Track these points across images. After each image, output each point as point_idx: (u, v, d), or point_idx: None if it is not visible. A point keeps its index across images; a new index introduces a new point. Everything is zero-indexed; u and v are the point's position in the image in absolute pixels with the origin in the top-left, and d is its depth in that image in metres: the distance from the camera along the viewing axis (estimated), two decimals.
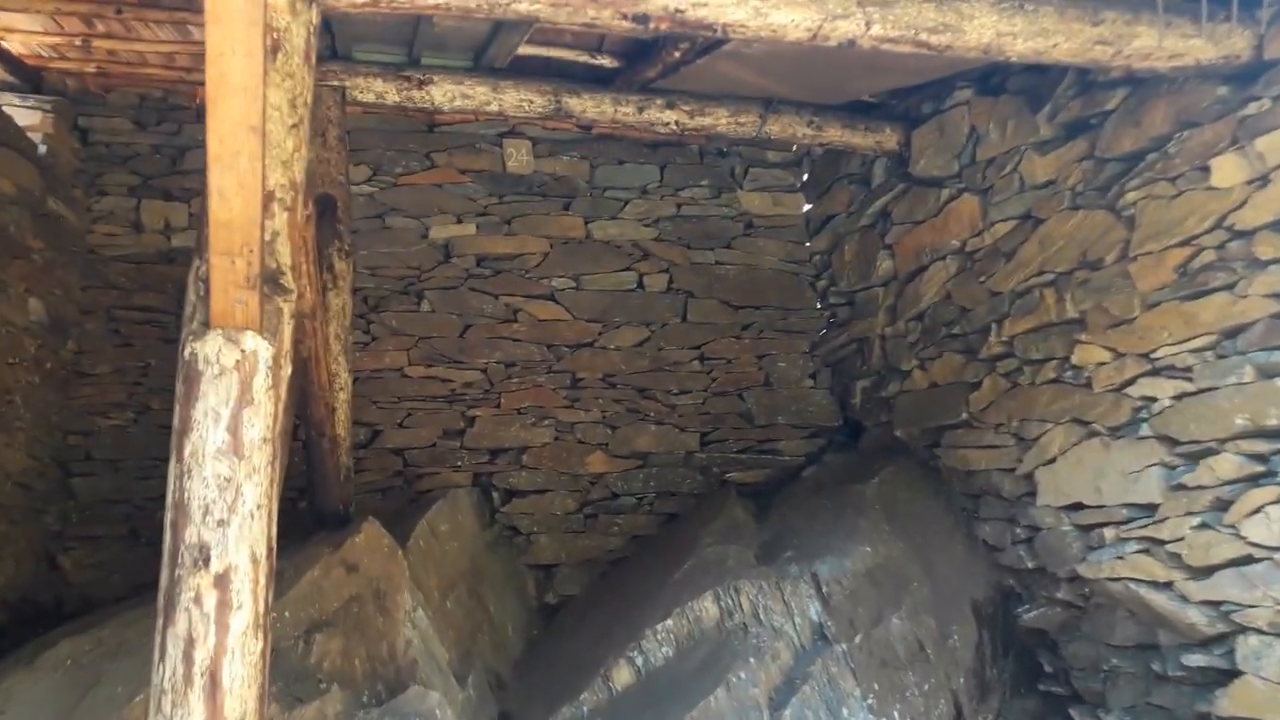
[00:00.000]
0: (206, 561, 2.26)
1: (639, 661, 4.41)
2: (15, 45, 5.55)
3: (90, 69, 5.82)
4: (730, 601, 4.45)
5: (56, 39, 5.39)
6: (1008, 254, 4.75)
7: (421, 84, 4.83)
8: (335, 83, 4.74)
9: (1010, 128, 4.76)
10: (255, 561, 2.33)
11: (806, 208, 6.69)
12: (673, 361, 6.30)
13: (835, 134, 5.39)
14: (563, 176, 6.44)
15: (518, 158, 6.38)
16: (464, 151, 6.31)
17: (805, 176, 6.75)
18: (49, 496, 5.36)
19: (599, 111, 5.06)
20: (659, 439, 6.19)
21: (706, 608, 4.48)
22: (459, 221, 6.24)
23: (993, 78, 4.95)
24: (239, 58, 2.11)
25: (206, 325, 2.38)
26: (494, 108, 4.97)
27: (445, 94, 4.88)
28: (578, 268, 6.31)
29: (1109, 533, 4.05)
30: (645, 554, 5.79)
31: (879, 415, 5.79)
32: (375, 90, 4.81)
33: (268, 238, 2.45)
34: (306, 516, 4.58)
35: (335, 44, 4.73)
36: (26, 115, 5.48)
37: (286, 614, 3.81)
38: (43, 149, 5.37)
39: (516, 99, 4.96)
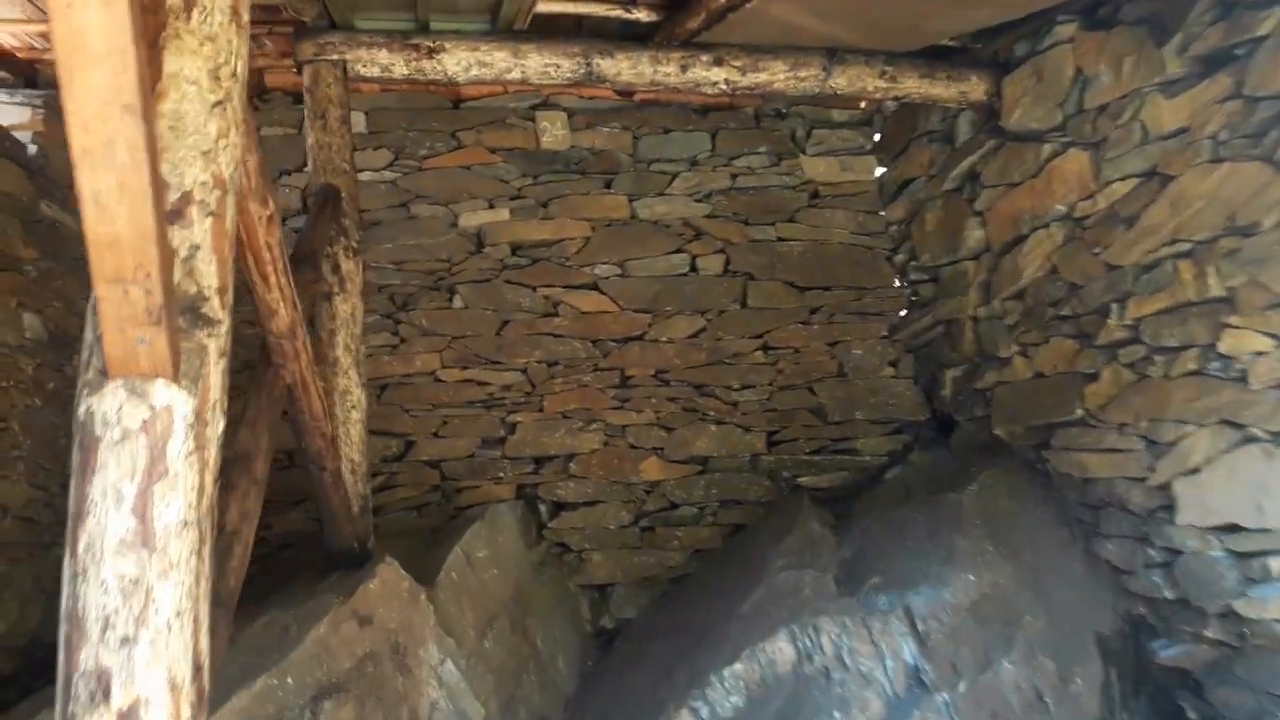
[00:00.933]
0: (106, 694, 1.69)
1: (704, 713, 3.79)
2: (3, 37, 5.09)
3: None
4: (809, 642, 3.80)
5: (43, 26, 4.90)
6: (1128, 220, 3.96)
7: (432, 52, 4.21)
8: (335, 56, 4.15)
9: (1127, 66, 3.94)
10: (175, 688, 1.75)
11: (879, 172, 5.91)
12: (733, 353, 5.63)
13: (912, 85, 4.63)
14: (603, 151, 5.77)
15: (552, 132, 5.74)
16: (493, 128, 5.69)
17: (877, 137, 5.97)
18: (57, 528, 4.93)
19: (636, 73, 4.38)
20: (720, 441, 5.54)
21: (781, 649, 3.84)
22: (491, 207, 5.63)
23: (1102, 7, 4.13)
24: (95, 8, 1.49)
25: (104, 374, 1.80)
26: (515, 75, 4.33)
27: (459, 62, 4.25)
28: (623, 252, 5.66)
29: (1275, 563, 3.29)
30: (709, 572, 5.16)
31: (973, 409, 5.04)
32: (380, 62, 4.21)
33: (183, 254, 1.85)
34: (322, 554, 4.05)
35: (331, 13, 4.13)
36: (15, 113, 5.01)
37: (290, 680, 3.27)
38: (33, 149, 4.89)
39: (540, 64, 4.31)
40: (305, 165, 4.34)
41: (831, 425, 5.62)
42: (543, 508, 5.44)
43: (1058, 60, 4.20)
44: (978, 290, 4.97)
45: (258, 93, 5.61)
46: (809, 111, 5.96)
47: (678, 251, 5.71)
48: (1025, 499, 4.44)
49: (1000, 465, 4.68)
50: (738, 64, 4.41)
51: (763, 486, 5.51)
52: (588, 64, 4.32)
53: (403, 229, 5.52)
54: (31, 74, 5.35)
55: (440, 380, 5.45)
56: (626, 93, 5.71)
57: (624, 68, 4.35)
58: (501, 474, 5.40)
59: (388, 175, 5.59)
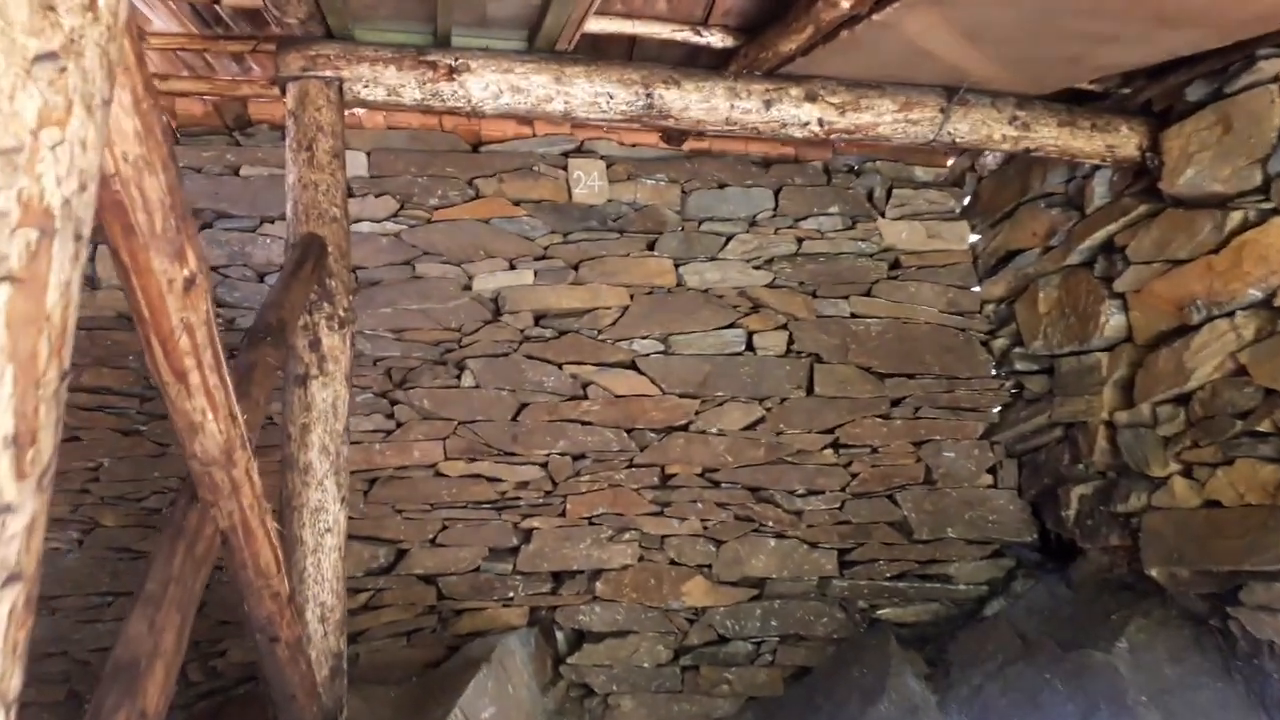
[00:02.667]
0: None
1: None
2: None
3: None
4: None
5: None
6: None
7: (453, 72, 3.31)
8: (328, 72, 3.25)
9: None
10: None
11: (972, 239, 5.00)
12: (797, 450, 4.66)
13: (1047, 135, 3.73)
14: (646, 206, 4.87)
15: (587, 183, 4.84)
16: (518, 176, 4.79)
17: (968, 199, 5.07)
18: None
19: (708, 108, 3.48)
20: (781, 559, 4.54)
21: None
22: (511, 268, 4.71)
23: None
24: None
25: None
26: (557, 106, 3.43)
27: (486, 86, 3.35)
28: (667, 325, 4.72)
29: None
30: None
31: (1107, 536, 4.04)
32: (386, 83, 3.30)
33: None
34: None
35: (326, 17, 3.23)
36: None
37: None
38: None
39: (589, 93, 3.41)
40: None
41: (918, 544, 4.62)
42: (561, 636, 4.42)
43: (1256, 105, 3.30)
44: (1115, 390, 4.01)
45: (240, 125, 4.72)
46: (888, 168, 5.08)
47: (732, 326, 4.77)
48: (1198, 667, 3.42)
49: (1150, 614, 3.67)
50: (835, 100, 3.52)
51: (834, 619, 4.48)
52: (648, 95, 3.42)
53: (406, 291, 4.59)
54: None
55: (442, 475, 4.47)
56: (682, 134, 4.82)
57: (693, 101, 3.45)
58: (512, 594, 4.38)
59: (390, 227, 4.68)
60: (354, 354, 3.14)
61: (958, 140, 3.68)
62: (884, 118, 3.57)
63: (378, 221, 4.68)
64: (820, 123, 3.53)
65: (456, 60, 3.33)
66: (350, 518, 4.34)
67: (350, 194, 4.67)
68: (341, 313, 3.07)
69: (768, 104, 3.48)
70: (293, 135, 3.21)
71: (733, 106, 3.46)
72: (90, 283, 4.45)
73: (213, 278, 4.50)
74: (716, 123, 3.51)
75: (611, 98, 3.41)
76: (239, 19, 3.89)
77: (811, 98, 3.50)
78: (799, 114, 3.51)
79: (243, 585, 2.15)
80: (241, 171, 4.65)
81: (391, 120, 4.82)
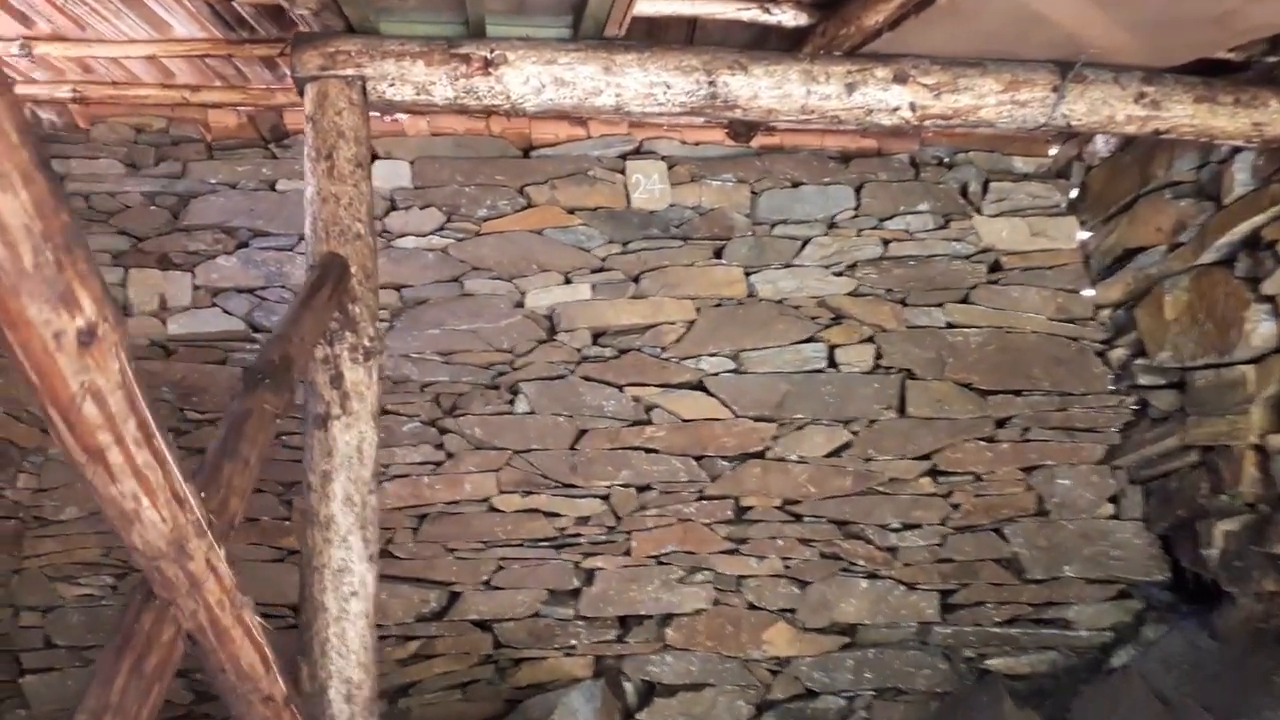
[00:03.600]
0: None
1: None
2: None
3: (64, 93, 4.21)
4: None
5: None
6: None
7: (488, 65, 2.92)
8: (349, 71, 2.88)
9: None
10: None
11: (1082, 237, 4.43)
12: (889, 479, 4.15)
13: (1181, 114, 3.17)
14: (712, 210, 4.42)
15: (647, 187, 4.42)
16: (572, 182, 4.39)
17: (1075, 192, 4.50)
18: None
19: (780, 95, 3.02)
20: (874, 602, 4.04)
21: None
22: (567, 282, 4.31)
23: None
24: None
25: None
26: (607, 100, 3.01)
27: (526, 80, 2.95)
28: (737, 341, 4.26)
29: None
30: None
31: (1259, 580, 3.45)
32: (414, 80, 2.92)
33: None
34: None
35: (345, 10, 2.87)
36: None
37: None
38: None
39: (644, 84, 2.98)
40: None
41: (1030, 584, 4.06)
42: (629, 689, 3.99)
43: None
44: (1266, 409, 3.42)
45: (276, 136, 4.42)
46: (983, 159, 4.55)
47: (811, 340, 4.29)
48: None
49: None
50: (928, 81, 3.02)
51: (936, 670, 3.96)
52: (711, 83, 2.97)
53: (454, 310, 4.23)
54: None
55: (496, 510, 4.09)
56: (742, 133, 4.36)
57: (763, 87, 2.99)
58: (574, 642, 3.97)
59: (436, 242, 4.32)
60: (382, 388, 2.75)
61: (1073, 124, 3.14)
62: (986, 100, 3.06)
63: (423, 235, 4.33)
64: (911, 108, 3.03)
65: (492, 52, 2.93)
66: (399, 557, 4.02)
67: (393, 206, 4.36)
68: (367, 343, 2.69)
69: (850, 88, 3.00)
70: (311, 142, 2.86)
71: (809, 92, 3.00)
72: (122, 308, 4.18)
73: (248, 301, 4.20)
74: (790, 112, 3.05)
75: (669, 88, 2.97)
76: (262, 19, 3.57)
77: (901, 79, 3.01)
78: (886, 98, 3.02)
79: (224, 691, 1.76)
80: (278, 186, 4.35)
81: (436, 126, 4.47)
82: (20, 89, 4.15)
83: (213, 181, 4.35)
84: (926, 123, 3.10)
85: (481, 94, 2.95)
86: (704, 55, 2.99)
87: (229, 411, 1.96)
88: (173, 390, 4.10)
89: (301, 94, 2.96)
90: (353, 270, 2.74)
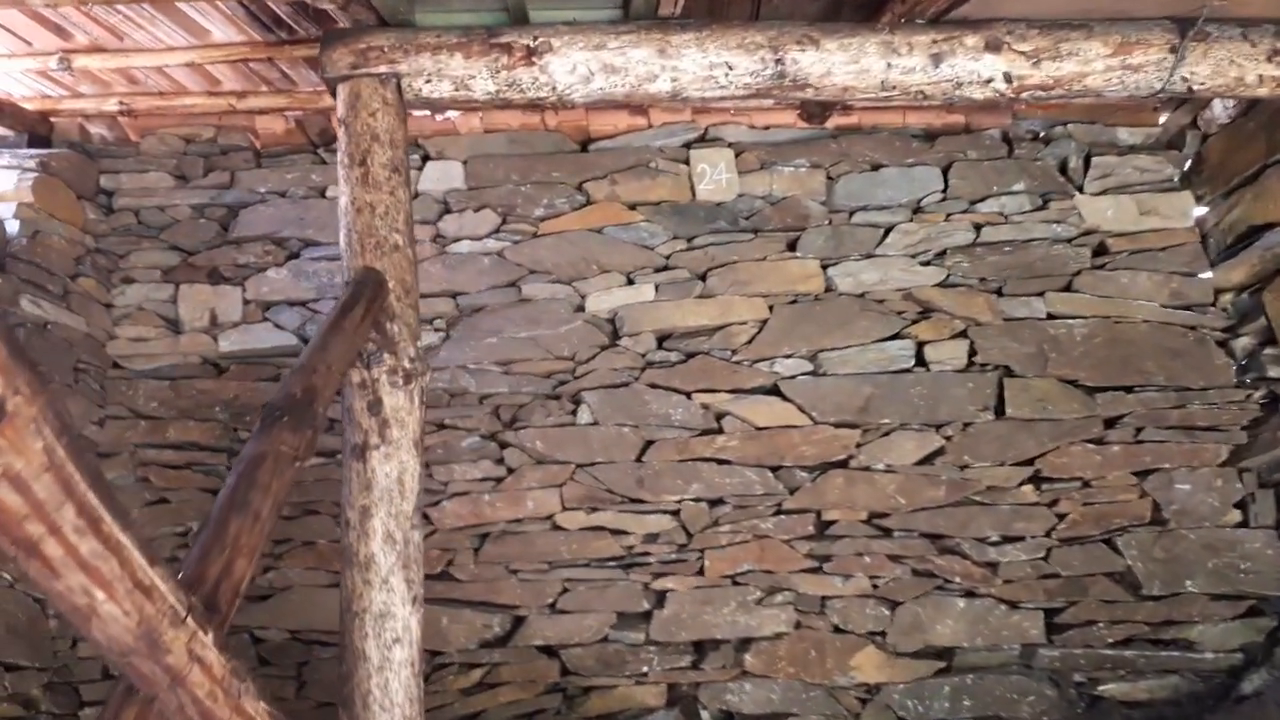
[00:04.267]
0: None
1: None
2: (8, 82, 3.91)
3: (111, 106, 4.12)
4: None
5: (27, 60, 3.68)
6: None
7: (531, 55, 2.66)
8: (383, 69, 2.66)
9: None
10: None
11: (1198, 214, 3.98)
12: (987, 488, 3.79)
13: None
14: (784, 199, 4.11)
15: (713, 177, 4.13)
16: (633, 176, 4.13)
17: (1188, 164, 4.05)
18: None
19: (856, 71, 2.69)
20: (973, 623, 3.69)
21: None
22: (630, 283, 4.05)
23: None
24: None
25: None
26: (662, 85, 2.72)
27: (574, 69, 2.69)
28: (815, 340, 3.94)
29: None
30: None
31: None
32: (452, 74, 2.69)
33: None
34: None
35: (375, 4, 2.64)
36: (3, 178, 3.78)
37: None
38: (13, 226, 3.63)
39: (703, 65, 2.69)
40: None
41: (1147, 601, 3.67)
42: (706, 718, 3.72)
43: None
44: None
45: (326, 141, 4.25)
46: (1083, 131, 4.13)
47: (896, 337, 3.95)
48: None
49: None
50: (1025, 48, 2.66)
51: (1042, 696, 3.59)
52: (778, 61, 2.67)
53: (511, 317, 4.01)
54: (47, 129, 4.17)
55: (560, 528, 3.87)
56: (815, 114, 4.03)
57: (837, 63, 2.67)
58: (646, 669, 3.72)
59: (492, 245, 4.11)
60: (424, 413, 2.53)
61: (1195, 88, 2.75)
62: (1093, 66, 2.68)
63: (478, 239, 4.12)
64: (1007, 78, 2.68)
65: (535, 40, 2.67)
66: (460, 580, 3.83)
67: (447, 209, 4.16)
68: (407, 364, 2.47)
69: (936, 59, 2.66)
70: (344, 148, 2.65)
71: (889, 66, 2.66)
72: (173, 325, 4.06)
73: (300, 314, 4.04)
74: (869, 89, 2.71)
75: (730, 69, 2.67)
76: (301, 18, 3.38)
77: (994, 46, 2.65)
78: (978, 69, 2.67)
79: None
80: (329, 193, 4.19)
81: (489, 122, 4.25)
82: (68, 104, 4.07)
83: (262, 190, 4.21)
84: (1024, 95, 2.73)
85: (525, 86, 2.70)
86: (769, 31, 2.68)
87: (241, 456, 1.74)
88: (225, 410, 3.97)
89: (334, 95, 2.75)
90: (390, 285, 2.52)
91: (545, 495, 3.87)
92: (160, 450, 3.93)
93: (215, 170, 4.25)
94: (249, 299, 4.09)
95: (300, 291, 4.07)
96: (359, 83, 2.66)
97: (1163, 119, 4.10)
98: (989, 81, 2.68)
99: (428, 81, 2.69)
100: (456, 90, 2.70)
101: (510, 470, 3.91)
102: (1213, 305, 3.88)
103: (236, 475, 1.70)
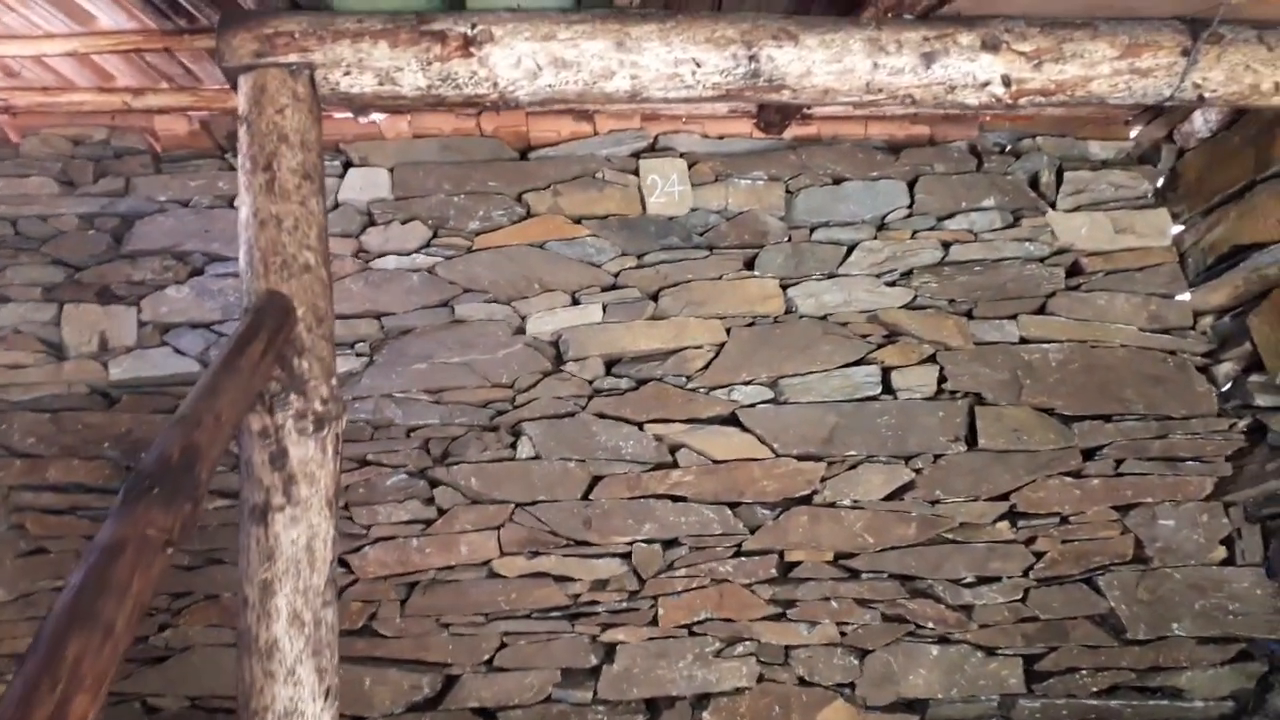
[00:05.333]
0: None
1: None
2: None
3: None
4: None
5: None
6: None
7: (468, 45, 2.30)
8: (293, 58, 2.28)
9: None
10: None
11: (1176, 231, 3.79)
12: (960, 524, 3.54)
13: None
14: (741, 213, 3.81)
15: (665, 189, 3.80)
16: (578, 186, 3.78)
17: (1162, 179, 3.86)
18: None
19: (839, 70, 2.39)
20: (948, 672, 3.42)
21: None
22: (575, 302, 3.70)
23: None
24: None
25: None
26: (620, 84, 2.38)
27: (518, 61, 2.33)
28: (776, 365, 3.64)
29: None
30: None
31: None
32: (376, 66, 2.31)
33: None
34: None
35: None
36: None
37: None
38: None
39: (666, 61, 2.35)
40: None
41: (1132, 646, 3.44)
42: None
43: None
44: None
45: (234, 144, 3.77)
46: (1053, 144, 3.92)
47: (862, 362, 3.67)
48: None
49: None
50: (1025, 48, 2.40)
51: None
52: (752, 58, 2.35)
53: (444, 340, 3.62)
54: None
55: (497, 575, 3.49)
56: (773, 123, 3.76)
57: (818, 61, 2.36)
58: None
59: (421, 261, 3.71)
60: (339, 465, 2.13)
61: (1206, 95, 2.51)
62: (1099, 69, 2.43)
63: (406, 254, 3.72)
64: (1005, 81, 2.40)
65: (474, 28, 2.31)
66: (385, 636, 3.41)
67: (371, 221, 3.76)
68: (319, 407, 2.07)
69: (928, 59, 2.37)
70: (245, 150, 2.25)
71: (876, 66, 2.37)
72: (56, 350, 3.57)
73: (203, 337, 3.59)
74: (852, 92, 2.41)
75: (698, 66, 2.35)
76: (203, 3, 2.95)
77: (991, 45, 2.38)
78: (974, 70, 2.39)
79: None
80: (237, 201, 3.72)
81: (419, 126, 3.86)
82: None
83: (161, 199, 3.75)
84: (1022, 101, 2.47)
85: (462, 81, 2.33)
86: (742, 24, 2.37)
87: (92, 545, 1.34)
88: (116, 446, 3.49)
89: (235, 88, 2.35)
90: (299, 313, 2.12)
91: (481, 539, 3.49)
92: (39, 493, 3.43)
93: (108, 176, 3.77)
94: (145, 320, 3.62)
95: (204, 312, 3.62)
96: (264, 74, 2.27)
97: (1134, 133, 3.91)
98: (985, 85, 2.40)
99: (346, 74, 2.30)
100: (381, 85, 2.32)
101: (441, 511, 3.51)
102: (1192, 329, 3.69)
103: (84, 573, 1.30)
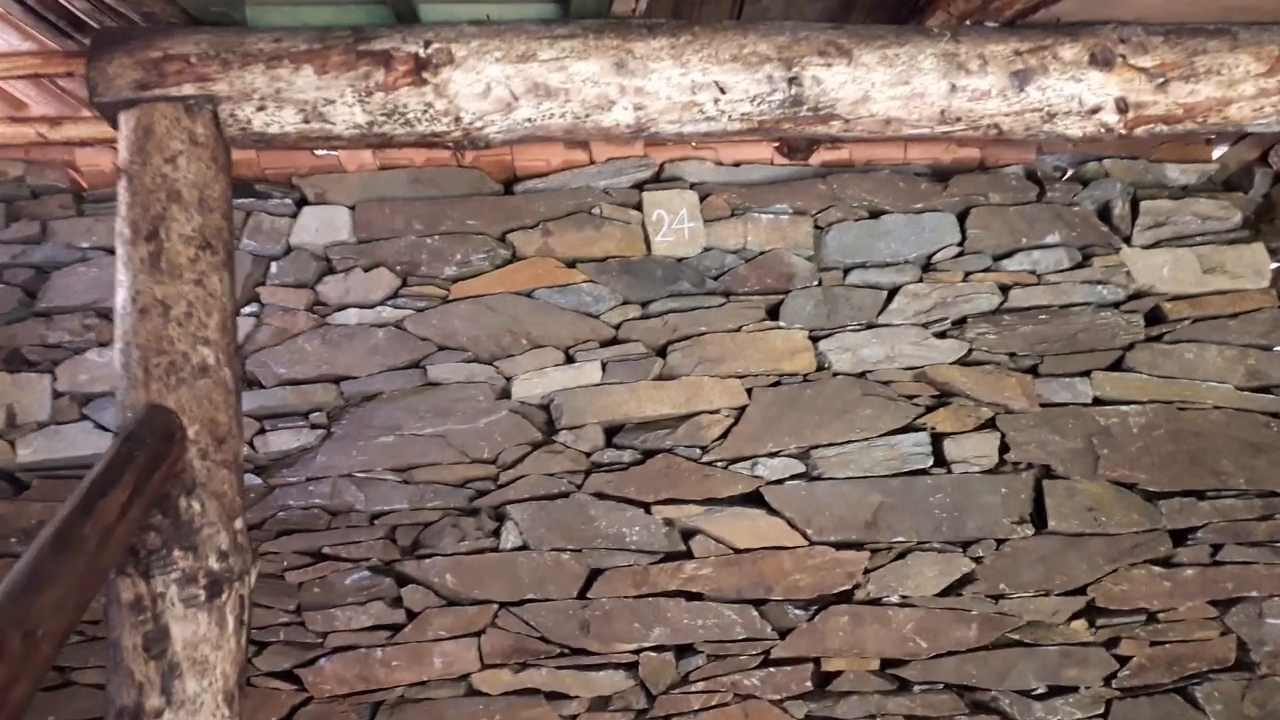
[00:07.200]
0: None
1: None
2: None
3: None
4: None
5: None
6: None
7: (420, 69, 1.75)
8: (188, 90, 1.70)
9: None
10: None
11: (1274, 268, 3.24)
12: (1027, 623, 2.99)
13: None
14: (762, 254, 3.25)
15: (673, 225, 3.24)
16: (572, 224, 3.22)
17: (1255, 209, 3.31)
18: None
19: (907, 95, 1.84)
20: None
21: None
22: (569, 360, 3.14)
23: None
24: None
25: None
26: (621, 116, 1.83)
27: (486, 90, 1.78)
28: (806, 434, 3.08)
29: None
30: None
31: None
32: (299, 99, 1.76)
33: None
34: None
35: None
36: None
37: None
38: None
39: (681, 87, 1.81)
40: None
41: None
42: None
43: None
44: None
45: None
46: (1123, 168, 3.36)
47: (909, 429, 3.11)
48: None
49: None
50: (1146, 63, 1.84)
51: None
52: (792, 80, 1.79)
53: (414, 408, 3.06)
54: None
55: (478, 692, 2.95)
56: (798, 148, 3.20)
57: (878, 83, 1.81)
58: None
59: (388, 314, 3.15)
60: (244, 641, 1.58)
61: None
62: (1240, 89, 1.88)
63: (370, 306, 3.16)
64: (1121, 107, 1.85)
65: (428, 47, 1.76)
66: None
67: (329, 269, 3.19)
68: (215, 564, 1.51)
69: (1020, 79, 1.82)
70: (124, 213, 1.69)
71: (953, 89, 1.81)
72: None
73: None
74: (922, 122, 1.86)
75: (723, 92, 1.79)
76: (107, 19, 2.39)
77: (1103, 60, 1.82)
78: (1080, 92, 1.84)
79: None
80: (115, 281, 3.17)
81: (386, 157, 3.29)
82: None
83: (83, 246, 3.18)
84: (1139, 131, 1.90)
85: (413, 116, 1.78)
86: (779, 37, 1.81)
87: None
88: (25, 541, 2.93)
89: (115, 126, 1.79)
90: (191, 434, 1.56)
91: (458, 648, 2.94)
92: None
93: (21, 219, 3.21)
94: (61, 390, 3.06)
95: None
96: (150, 111, 1.72)
97: (1217, 153, 3.36)
98: (1095, 112, 1.85)
99: (261, 109, 1.75)
100: (307, 122, 1.77)
101: (411, 615, 2.96)
102: None
103: None
